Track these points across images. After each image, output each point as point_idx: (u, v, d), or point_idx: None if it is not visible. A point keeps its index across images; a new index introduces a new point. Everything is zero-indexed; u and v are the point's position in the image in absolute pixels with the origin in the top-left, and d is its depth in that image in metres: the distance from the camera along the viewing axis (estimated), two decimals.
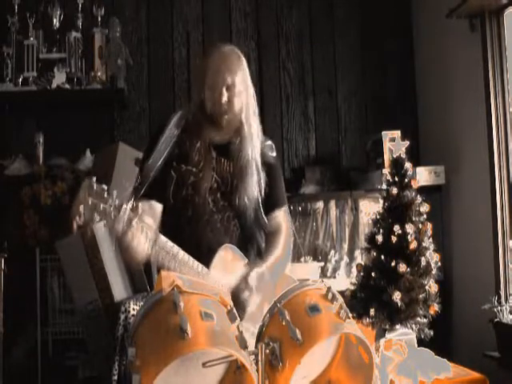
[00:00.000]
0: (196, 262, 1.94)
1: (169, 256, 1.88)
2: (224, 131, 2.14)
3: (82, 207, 1.65)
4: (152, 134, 2.39)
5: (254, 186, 2.14)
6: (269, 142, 2.26)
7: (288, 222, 2.29)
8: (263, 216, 2.19)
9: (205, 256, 1.99)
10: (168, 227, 2.05)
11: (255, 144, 2.16)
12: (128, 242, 1.77)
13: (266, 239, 2.23)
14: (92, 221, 1.69)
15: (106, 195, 1.68)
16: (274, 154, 2.27)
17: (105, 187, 1.69)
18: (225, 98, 2.06)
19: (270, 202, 2.21)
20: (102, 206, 1.67)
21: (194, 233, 2.08)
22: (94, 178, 1.69)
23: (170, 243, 1.88)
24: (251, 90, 2.17)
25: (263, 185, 2.18)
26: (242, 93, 2.10)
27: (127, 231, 1.74)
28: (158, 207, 2.10)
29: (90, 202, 1.65)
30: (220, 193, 2.12)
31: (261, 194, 2.17)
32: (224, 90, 2.07)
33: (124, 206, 1.71)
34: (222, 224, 2.11)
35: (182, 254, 1.91)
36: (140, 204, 1.80)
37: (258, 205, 2.16)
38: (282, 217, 2.26)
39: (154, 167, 2.05)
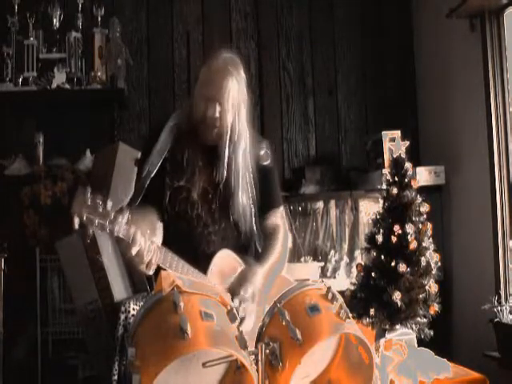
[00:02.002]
0: (192, 269, 1.95)
1: (173, 262, 1.89)
2: (214, 139, 2.10)
3: (76, 220, 1.65)
4: (145, 142, 2.38)
5: (247, 193, 2.12)
6: (263, 146, 2.23)
7: (285, 223, 2.28)
8: (259, 221, 2.18)
9: (202, 269, 1.99)
10: (164, 242, 2.04)
11: (246, 151, 2.12)
12: (127, 253, 1.77)
13: (263, 242, 2.23)
14: (89, 225, 1.68)
15: (100, 209, 1.67)
16: (269, 159, 2.24)
17: (99, 200, 1.67)
18: (216, 114, 2.02)
19: (266, 205, 2.21)
20: (96, 220, 1.67)
21: (189, 247, 2.06)
22: (89, 190, 1.68)
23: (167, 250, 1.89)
24: (245, 100, 2.11)
25: (257, 190, 2.15)
26: (232, 108, 2.05)
27: (125, 237, 1.74)
28: (155, 220, 2.07)
29: (84, 217, 1.65)
30: (214, 203, 2.10)
31: (255, 200, 2.15)
32: (216, 105, 2.02)
33: (119, 219, 1.71)
34: (218, 235, 2.10)
35: (182, 262, 1.92)
36: (136, 217, 1.80)
37: (253, 211, 2.14)
38: (278, 219, 2.25)
39: (147, 181, 2.04)
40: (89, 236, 1.70)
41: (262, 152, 2.22)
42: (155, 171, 2.05)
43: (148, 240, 1.79)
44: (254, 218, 2.15)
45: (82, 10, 3.73)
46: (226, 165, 2.09)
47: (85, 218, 1.64)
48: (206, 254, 2.05)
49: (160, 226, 2.08)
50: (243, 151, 2.11)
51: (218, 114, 2.03)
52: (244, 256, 2.12)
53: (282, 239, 2.21)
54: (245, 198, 2.11)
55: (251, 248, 2.19)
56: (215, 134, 2.07)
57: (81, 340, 3.08)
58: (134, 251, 1.76)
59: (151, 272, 1.85)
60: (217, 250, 2.06)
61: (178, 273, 1.88)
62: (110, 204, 1.68)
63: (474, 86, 3.28)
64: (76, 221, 1.64)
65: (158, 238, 2.00)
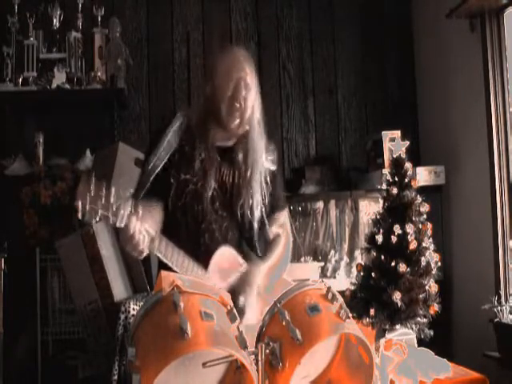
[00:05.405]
0: (192, 262, 1.95)
1: (169, 249, 1.89)
2: (230, 134, 2.11)
3: (81, 201, 1.66)
4: (151, 137, 2.38)
5: (259, 192, 2.12)
6: (271, 147, 2.24)
7: (288, 226, 2.29)
8: (266, 226, 2.18)
9: (202, 264, 1.99)
10: (166, 235, 2.04)
11: (260, 148, 2.13)
12: (127, 236, 1.77)
13: (264, 244, 2.22)
14: (92, 214, 1.69)
15: (103, 201, 1.68)
16: (276, 162, 2.25)
17: (103, 183, 1.69)
18: (244, 93, 2.07)
19: (270, 206, 2.21)
20: (99, 211, 1.68)
21: (191, 241, 2.06)
22: (93, 179, 1.69)
23: (168, 242, 1.89)
24: (258, 93, 2.16)
25: (265, 191, 2.16)
26: (254, 95, 2.11)
27: (127, 226, 1.75)
28: (158, 212, 2.08)
29: (87, 207, 1.66)
30: (219, 202, 2.10)
31: (264, 203, 2.15)
32: (243, 85, 2.07)
33: (121, 211, 1.72)
34: (220, 233, 2.09)
35: (182, 254, 1.92)
36: (139, 207, 1.80)
37: (261, 214, 2.14)
38: (281, 221, 2.25)
39: (153, 173, 2.04)
40: (94, 218, 1.69)
41: (269, 149, 2.23)
42: (162, 164, 2.05)
43: (148, 228, 1.80)
44: (260, 223, 2.15)
45: (82, 10, 3.73)
46: (238, 163, 2.10)
47: (88, 209, 1.66)
48: (208, 251, 2.05)
49: (159, 212, 2.08)
50: (257, 149, 2.12)
51: (245, 94, 2.07)
52: (245, 255, 2.12)
53: (283, 242, 2.22)
54: (256, 197, 2.11)
55: (252, 254, 2.18)
56: (236, 124, 2.07)
57: (81, 340, 3.07)
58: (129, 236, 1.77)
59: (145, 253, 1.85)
60: (218, 247, 2.06)
61: (174, 261, 1.89)
62: (113, 195, 1.70)
63: (474, 85, 3.28)
64: (80, 210, 1.65)
65: (157, 221, 2.01)
